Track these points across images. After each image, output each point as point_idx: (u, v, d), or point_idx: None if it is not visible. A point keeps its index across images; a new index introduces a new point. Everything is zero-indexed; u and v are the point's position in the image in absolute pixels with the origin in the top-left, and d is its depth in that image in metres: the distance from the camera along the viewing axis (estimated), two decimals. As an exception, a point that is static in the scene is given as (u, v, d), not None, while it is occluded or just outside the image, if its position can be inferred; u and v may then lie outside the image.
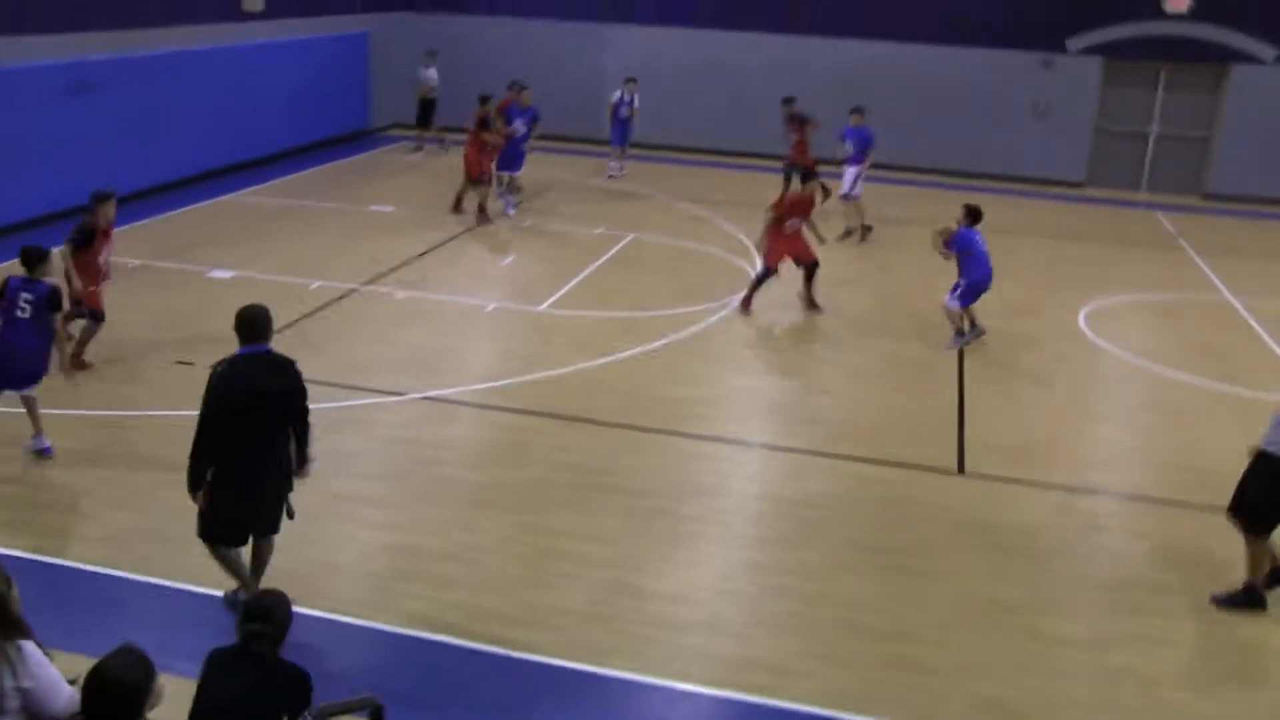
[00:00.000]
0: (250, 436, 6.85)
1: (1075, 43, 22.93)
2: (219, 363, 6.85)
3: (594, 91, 25.36)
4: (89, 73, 17.13)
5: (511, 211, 18.50)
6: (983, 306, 13.53)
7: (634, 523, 8.83)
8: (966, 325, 13.48)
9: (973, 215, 13.42)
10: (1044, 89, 23.32)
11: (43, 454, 9.40)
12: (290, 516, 7.23)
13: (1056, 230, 19.77)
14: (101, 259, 11.42)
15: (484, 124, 17.88)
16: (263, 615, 4.88)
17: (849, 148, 18.29)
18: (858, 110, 18.47)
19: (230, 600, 7.34)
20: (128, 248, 15.60)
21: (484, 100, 18.11)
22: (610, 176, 22.15)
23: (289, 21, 21.82)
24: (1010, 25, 23.12)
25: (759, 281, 14.27)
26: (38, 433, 9.43)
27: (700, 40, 24.66)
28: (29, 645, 4.59)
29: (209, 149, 19.83)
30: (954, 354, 13.16)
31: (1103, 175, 23.70)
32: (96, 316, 11.46)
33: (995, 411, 11.58)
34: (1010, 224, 19.49)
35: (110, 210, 11.49)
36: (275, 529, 7.26)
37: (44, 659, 4.61)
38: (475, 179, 17.94)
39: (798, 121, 19.57)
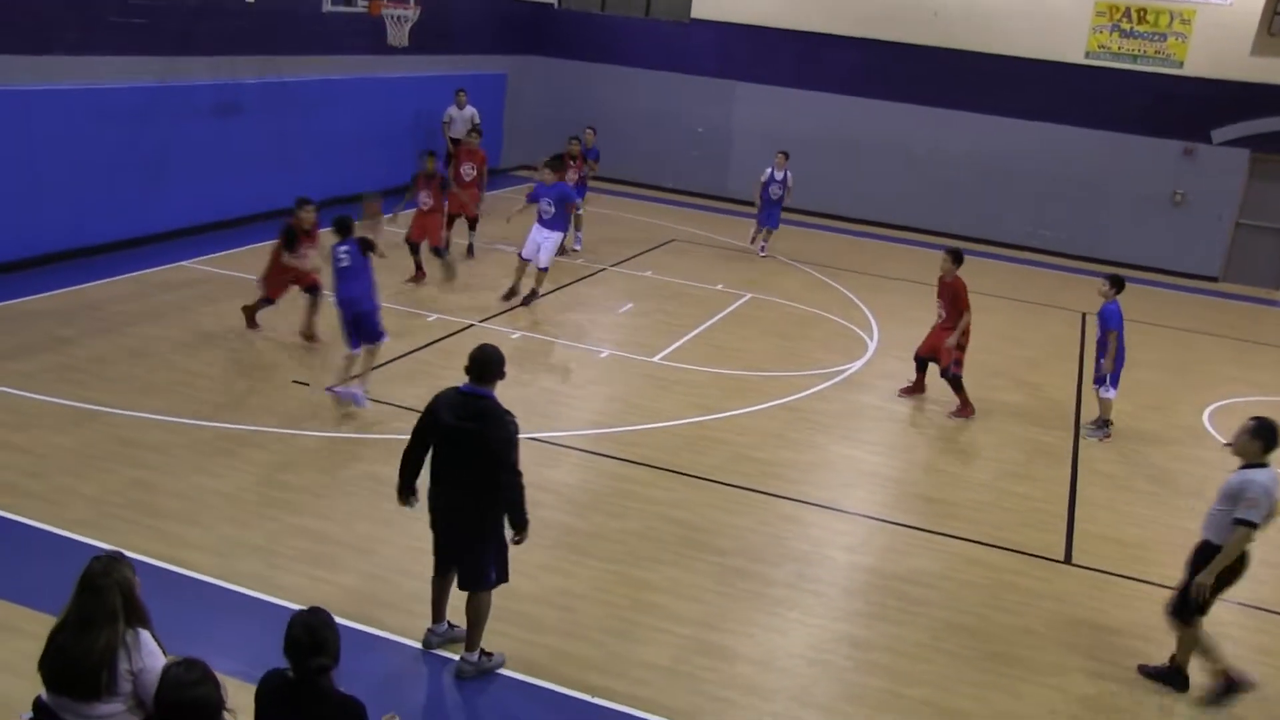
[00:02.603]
0: (437, 467, 6.89)
1: (1221, 134, 22.42)
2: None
3: (720, 147, 25.51)
4: (237, 94, 17.69)
5: (579, 246, 18.82)
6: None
7: (727, 582, 8.73)
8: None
9: (1119, 285, 12.82)
10: (1184, 179, 22.81)
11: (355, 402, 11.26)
12: (493, 582, 7.06)
13: (1188, 324, 19.26)
14: (305, 257, 12.96)
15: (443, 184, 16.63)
16: (319, 647, 4.70)
17: None
18: None
19: (425, 641, 7.44)
20: (258, 265, 15.96)
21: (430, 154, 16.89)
22: (761, 252, 20.57)
23: (430, 58, 22.26)
24: (1154, 112, 22.70)
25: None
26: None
27: (835, 106, 24.61)
28: (145, 634, 4.88)
29: (344, 174, 20.25)
30: (1069, 439, 12.84)
31: (1240, 271, 23.03)
32: (315, 290, 13.05)
33: (1109, 504, 11.25)
34: (1140, 314, 19.02)
35: (310, 215, 13.16)
36: (476, 584, 7.05)
37: (156, 649, 4.90)
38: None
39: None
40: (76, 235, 15.33)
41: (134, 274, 15.09)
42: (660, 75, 25.85)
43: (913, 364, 13.77)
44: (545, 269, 15.64)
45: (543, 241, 15.58)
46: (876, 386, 13.97)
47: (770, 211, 20.34)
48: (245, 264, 16.05)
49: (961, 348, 13.07)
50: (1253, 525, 7.43)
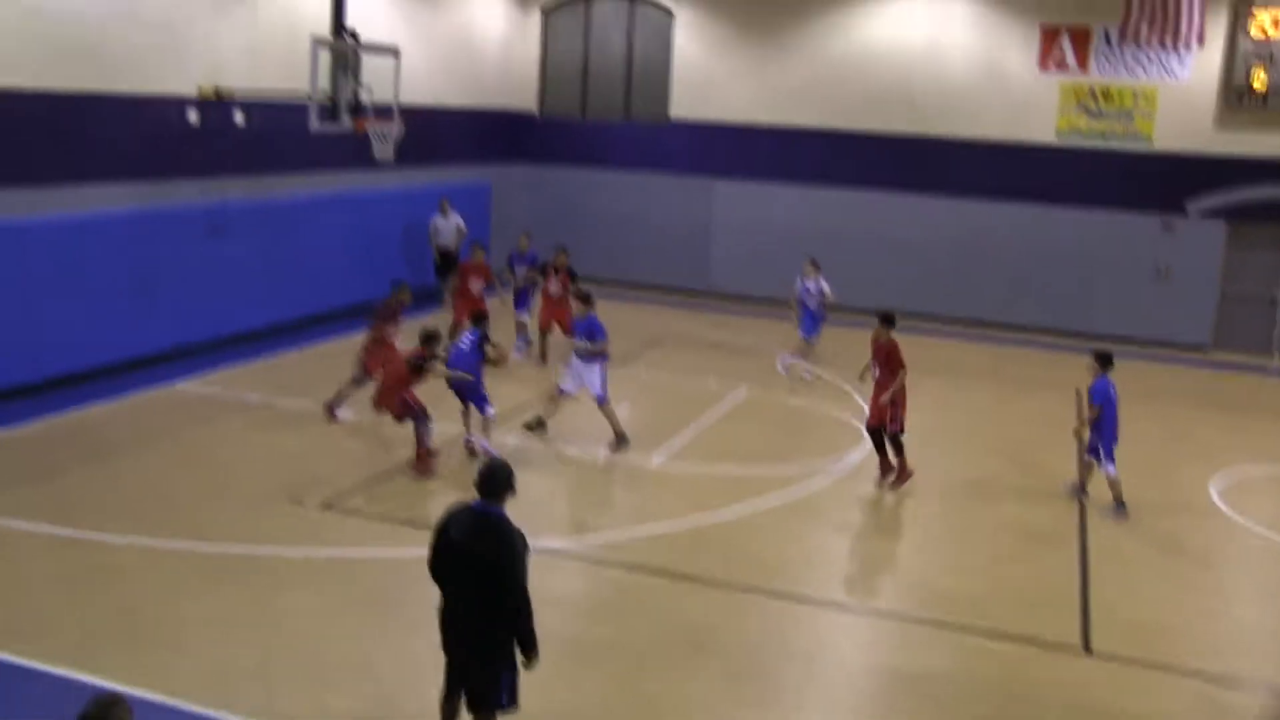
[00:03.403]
0: (447, 585, 6.77)
1: (1196, 206, 22.63)
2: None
3: (700, 244, 25.70)
4: (226, 214, 17.81)
5: (520, 355, 18.42)
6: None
7: (737, 688, 8.58)
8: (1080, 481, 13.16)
9: (1104, 361, 13.12)
10: (1165, 252, 22.98)
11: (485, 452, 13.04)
12: (504, 706, 6.86)
13: (1182, 396, 19.25)
14: (392, 334, 14.61)
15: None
16: None
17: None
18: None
19: None
20: (249, 384, 15.97)
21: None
22: (802, 376, 18.69)
23: (415, 171, 22.48)
24: (1129, 188, 22.94)
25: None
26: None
27: (812, 197, 24.83)
28: None
29: (332, 290, 20.36)
30: (1072, 517, 12.75)
31: (1229, 339, 23.07)
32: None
33: (1121, 585, 11.10)
34: (1133, 389, 18.94)
35: (407, 296, 15.28)
36: (486, 706, 6.84)
37: None
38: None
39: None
40: (67, 360, 15.28)
41: (124, 397, 15.05)
42: (641, 176, 26.11)
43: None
44: (603, 398, 14.42)
45: (584, 373, 14.46)
46: (873, 476, 13.88)
47: (806, 322, 18.87)
48: (236, 383, 16.04)
49: (896, 404, 13.31)
50: None
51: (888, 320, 13.71)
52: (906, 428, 13.43)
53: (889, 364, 13.39)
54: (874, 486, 13.49)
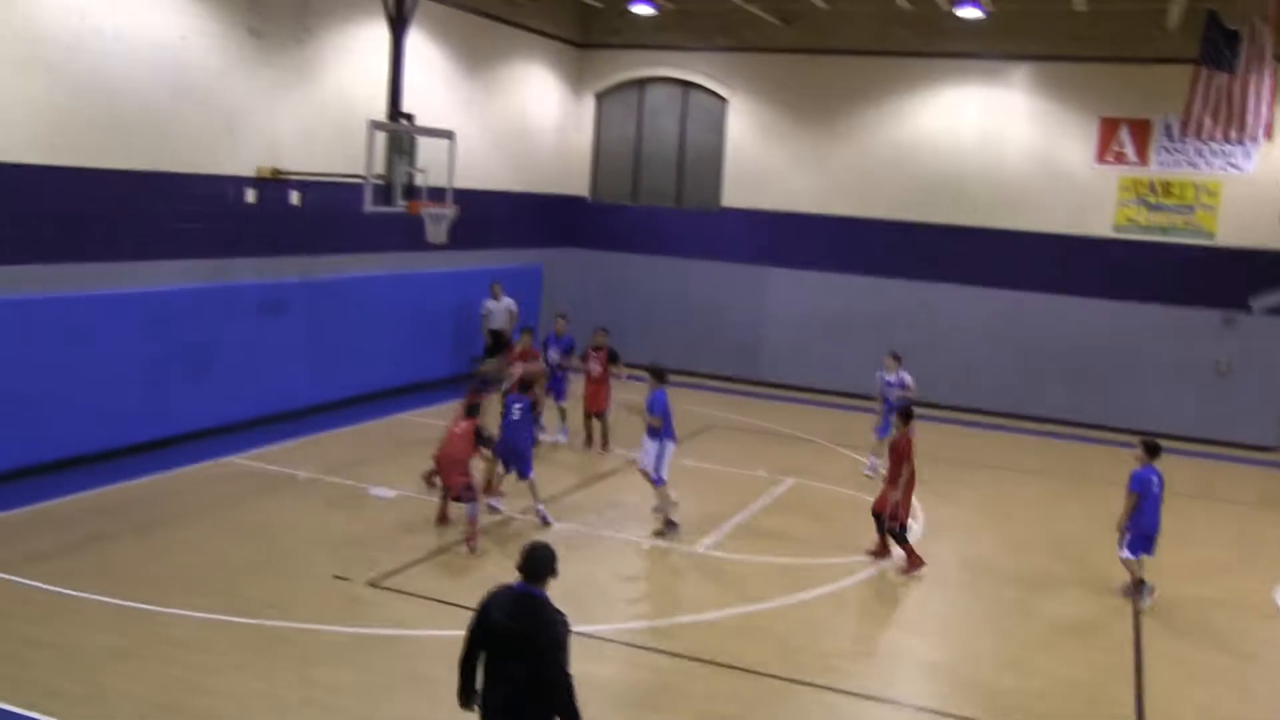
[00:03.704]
0: (489, 666, 6.66)
1: (1260, 301, 22.36)
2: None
3: (751, 332, 25.71)
4: (281, 293, 18.06)
5: (564, 439, 18.47)
6: (1165, 571, 12.88)
7: (783, 781, 8.41)
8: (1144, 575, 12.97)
9: (1151, 450, 13.07)
10: (1227, 347, 22.67)
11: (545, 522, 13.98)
12: None
13: (1247, 496, 18.89)
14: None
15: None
16: None
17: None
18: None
19: None
20: (299, 460, 16.07)
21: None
22: (867, 474, 18.03)
23: (468, 253, 22.68)
24: (1189, 282, 22.72)
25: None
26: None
27: (865, 287, 24.82)
28: None
29: (383, 369, 20.53)
30: (1128, 617, 12.48)
31: (1295, 438, 22.66)
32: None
33: (1178, 689, 10.79)
34: (1195, 489, 18.67)
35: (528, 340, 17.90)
36: None
37: None
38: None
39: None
40: (124, 433, 15.53)
41: (177, 470, 15.19)
42: (692, 263, 26.23)
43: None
44: (658, 479, 14.40)
45: (648, 449, 14.52)
46: (923, 571, 13.69)
47: (885, 422, 17.63)
48: (287, 458, 16.14)
49: (899, 503, 13.52)
50: None
51: (903, 415, 14.04)
52: (922, 520, 13.87)
53: (894, 458, 13.72)
54: (942, 582, 13.30)
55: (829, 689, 10.16)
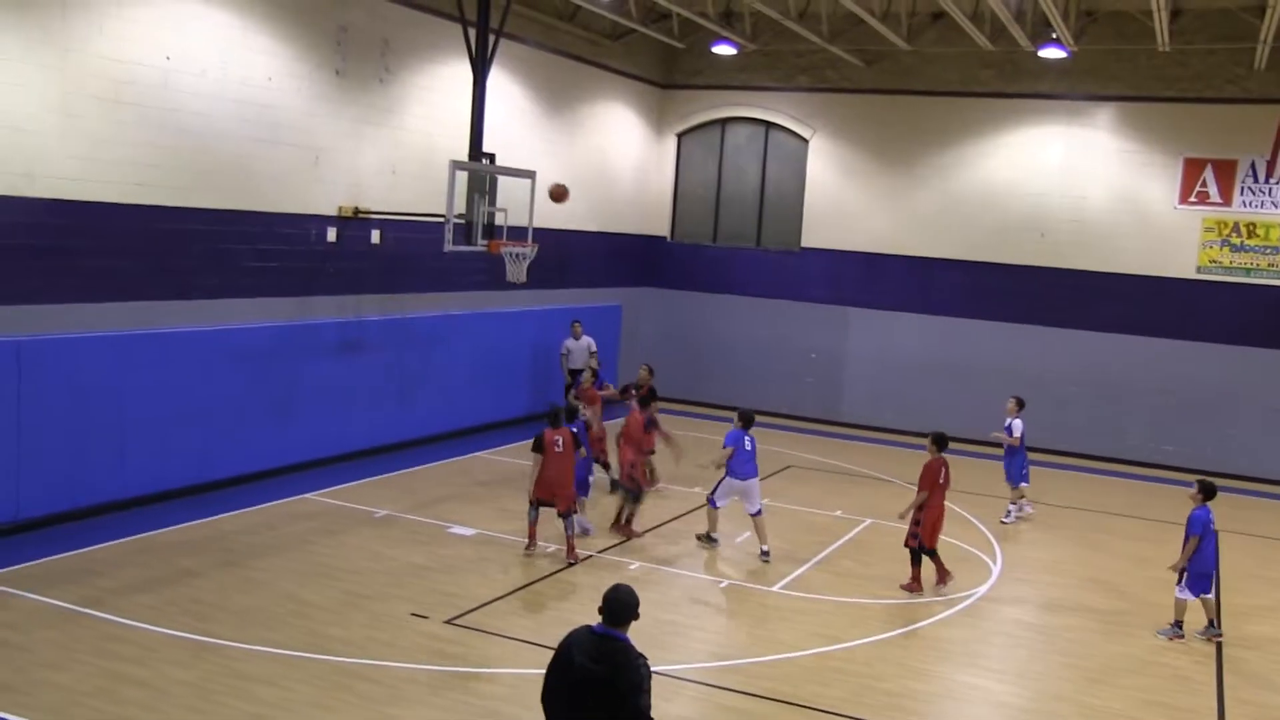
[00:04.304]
0: (566, 708, 6.59)
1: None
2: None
3: (833, 372, 25.62)
4: (360, 331, 18.33)
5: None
6: (1249, 615, 12.58)
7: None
8: (1207, 619, 12.98)
9: (1207, 492, 13.04)
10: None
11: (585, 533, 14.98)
12: None
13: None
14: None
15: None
16: None
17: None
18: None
19: None
20: (378, 498, 16.24)
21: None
22: (1004, 521, 17.97)
23: (547, 292, 22.86)
24: (1273, 324, 22.34)
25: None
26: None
27: (945, 327, 24.67)
28: None
29: (461, 408, 20.71)
30: (1210, 666, 12.21)
31: (1379, 482, 22.11)
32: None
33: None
34: (1276, 531, 18.40)
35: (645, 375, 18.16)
36: None
37: None
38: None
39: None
40: (208, 469, 15.81)
41: (259, 506, 15.41)
42: (772, 303, 26.21)
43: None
44: (712, 503, 15.37)
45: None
46: (1002, 612, 13.53)
47: (1012, 462, 18.22)
48: (365, 496, 16.32)
49: (918, 523, 13.91)
50: None
51: (935, 440, 14.34)
52: (930, 545, 13.96)
53: (920, 482, 14.04)
54: (1022, 624, 13.14)
55: (907, 734, 10.05)
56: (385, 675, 10.32)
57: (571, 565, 13.90)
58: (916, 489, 14.08)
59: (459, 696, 9.99)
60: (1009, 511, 18.15)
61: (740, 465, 15.00)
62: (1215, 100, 22.48)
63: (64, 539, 13.36)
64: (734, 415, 15.47)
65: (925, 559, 14.05)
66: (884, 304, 25.29)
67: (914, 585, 13.96)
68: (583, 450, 14.90)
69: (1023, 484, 18.22)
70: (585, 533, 15.17)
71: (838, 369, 25.74)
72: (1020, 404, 18.46)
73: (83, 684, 9.59)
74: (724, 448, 14.97)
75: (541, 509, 14.23)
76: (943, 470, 14.05)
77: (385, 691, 9.97)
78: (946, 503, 14.39)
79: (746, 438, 15.14)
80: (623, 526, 15.51)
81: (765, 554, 14.86)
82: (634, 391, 17.83)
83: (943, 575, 14.10)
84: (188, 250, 15.58)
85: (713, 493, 15.34)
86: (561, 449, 14.17)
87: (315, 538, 14.30)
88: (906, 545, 14.10)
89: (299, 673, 10.19)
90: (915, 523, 13.95)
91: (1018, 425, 18.18)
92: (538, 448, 14.18)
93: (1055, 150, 23.85)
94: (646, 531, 15.72)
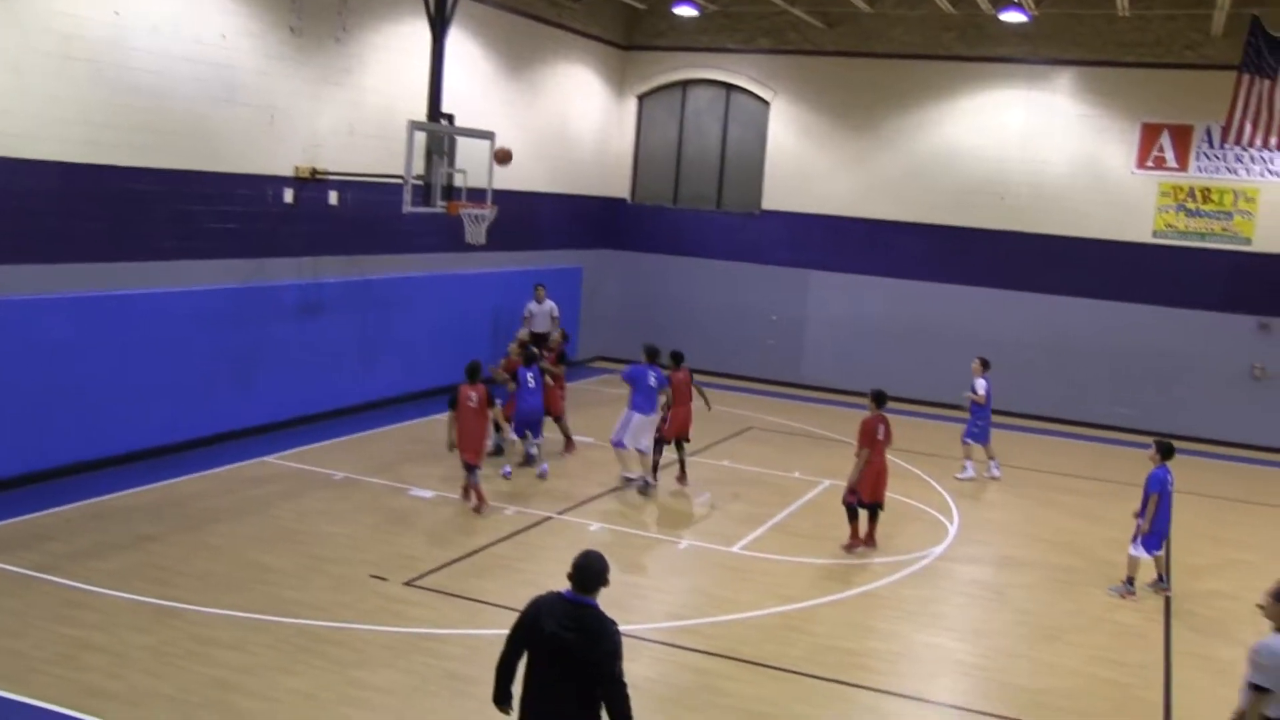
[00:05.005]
0: (534, 674, 6.60)
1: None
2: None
3: (794, 334, 25.71)
4: (320, 293, 18.23)
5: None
6: (1197, 571, 12.79)
7: (817, 783, 8.43)
8: (1157, 574, 13.32)
9: (1165, 452, 13.26)
10: (1262, 353, 22.54)
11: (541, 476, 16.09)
12: None
13: (1278, 500, 18.72)
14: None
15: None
16: None
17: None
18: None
19: None
20: (338, 460, 16.21)
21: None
22: (959, 477, 18.38)
23: (507, 254, 22.79)
24: (1225, 288, 22.63)
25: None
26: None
27: (906, 291, 24.81)
28: None
29: (421, 370, 20.65)
30: (1159, 622, 12.43)
31: (1330, 445, 22.49)
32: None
33: (1206, 688, 10.76)
34: (1227, 492, 18.73)
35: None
36: None
37: None
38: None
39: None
40: (166, 432, 15.72)
41: (219, 469, 15.36)
42: (732, 265, 26.25)
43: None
44: (617, 444, 16.15)
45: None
46: (958, 571, 13.70)
47: (972, 424, 18.68)
48: (325, 459, 16.28)
49: (859, 480, 13.95)
50: (1256, 689, 7.07)
51: (874, 398, 14.44)
52: (871, 500, 14.07)
53: (859, 439, 14.10)
54: (976, 583, 13.31)
55: (863, 688, 10.18)
56: (347, 638, 10.34)
57: (476, 511, 14.35)
58: (856, 447, 14.12)
59: (420, 658, 10.03)
60: (965, 468, 18.41)
61: (644, 400, 15.84)
62: (1173, 66, 22.63)
63: (19, 503, 13.26)
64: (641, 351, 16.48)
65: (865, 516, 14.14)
66: (844, 267, 25.37)
67: (854, 543, 14.06)
68: (497, 408, 15.11)
69: (987, 444, 18.45)
70: (542, 475, 16.27)
71: (798, 331, 25.84)
72: (985, 364, 18.71)
73: (41, 650, 9.56)
74: (623, 379, 16.26)
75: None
76: (881, 427, 14.11)
77: (347, 654, 10.00)
78: (891, 459, 14.56)
79: (651, 373, 15.97)
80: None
81: (630, 480, 16.00)
82: (545, 352, 18.26)
83: (869, 540, 14.14)
84: (144, 211, 15.41)
85: (619, 433, 15.86)
86: (475, 404, 14.36)
87: (276, 501, 14.27)
88: (844, 502, 14.16)
89: (261, 636, 10.20)
90: (855, 480, 13.99)
91: (981, 384, 18.42)
92: (453, 405, 14.47)
93: (1015, 114, 23.95)
94: (607, 493, 15.79)
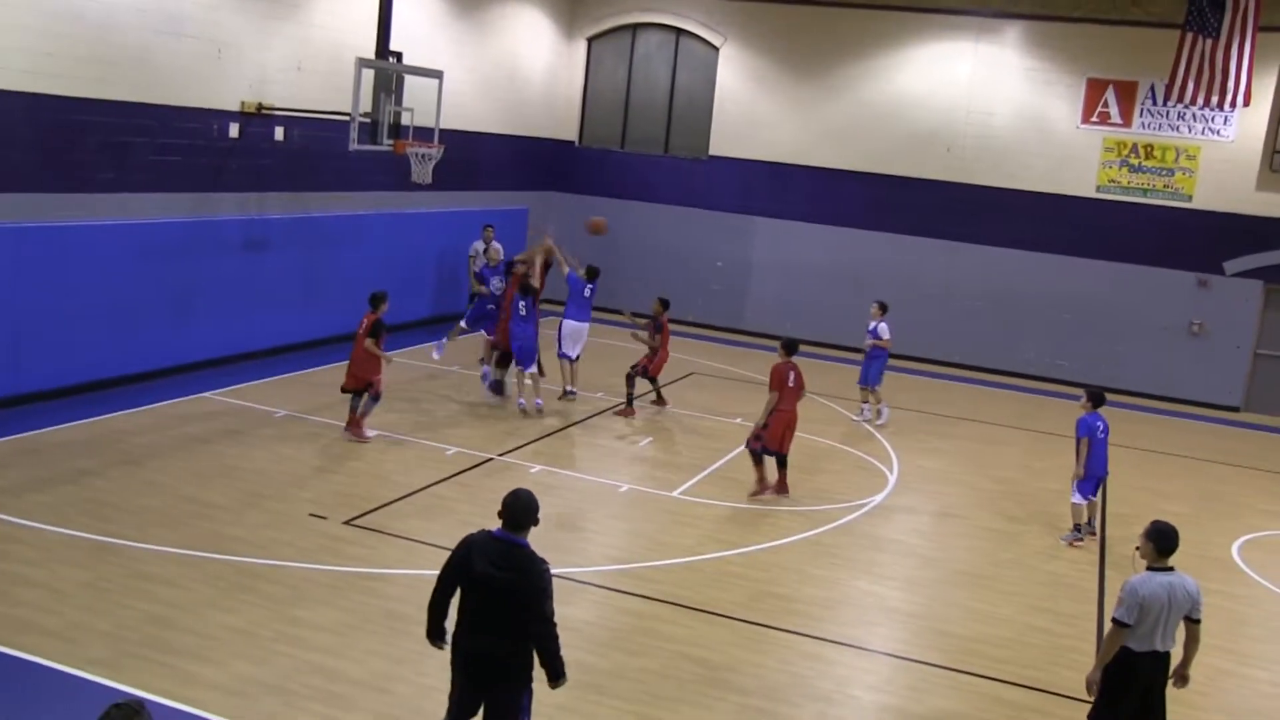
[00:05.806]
0: (466, 612, 6.69)
1: (1233, 265, 22.57)
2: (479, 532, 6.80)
3: (739, 280, 25.78)
4: (264, 230, 18.03)
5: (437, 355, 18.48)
6: (1130, 523, 13.06)
7: (750, 724, 8.57)
8: (1085, 520, 13.61)
9: (1095, 399, 13.49)
10: (1200, 309, 22.92)
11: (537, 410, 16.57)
12: None
13: (1212, 455, 19.10)
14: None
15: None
16: None
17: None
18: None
19: None
20: (280, 398, 16.11)
21: None
22: (855, 419, 18.83)
23: (453, 194, 22.63)
24: (1166, 244, 22.94)
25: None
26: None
27: (850, 239, 24.90)
28: None
29: (366, 308, 20.44)
30: (1094, 572, 12.70)
31: (1262, 401, 22.90)
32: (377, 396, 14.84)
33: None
34: (1160, 445, 19.09)
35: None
36: None
37: None
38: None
39: None
40: (103, 367, 15.54)
41: (157, 405, 15.22)
42: (679, 210, 26.21)
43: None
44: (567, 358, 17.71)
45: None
46: (897, 520, 13.89)
47: (864, 367, 18.91)
48: (267, 396, 16.18)
49: (765, 426, 13.92)
50: (1117, 623, 7.68)
51: (783, 345, 14.42)
52: (778, 448, 14.07)
53: (770, 383, 14.11)
54: (916, 532, 13.51)
55: (800, 634, 10.33)
56: (285, 575, 10.35)
57: (352, 440, 14.60)
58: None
59: (359, 597, 10.06)
60: (863, 410, 18.72)
61: (578, 309, 17.46)
62: (1119, 23, 22.76)
63: (-47, 437, 13.11)
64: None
65: (769, 462, 14.15)
66: (791, 214, 25.43)
67: (761, 489, 14.06)
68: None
69: (862, 385, 18.78)
70: (538, 409, 16.70)
71: (743, 278, 25.91)
72: (884, 308, 18.95)
73: (-25, 583, 9.50)
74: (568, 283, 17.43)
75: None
76: (791, 374, 14.06)
77: (285, 591, 10.01)
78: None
79: (588, 287, 17.64)
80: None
81: (571, 393, 17.43)
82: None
83: (780, 486, 14.19)
84: (83, 142, 15.14)
85: (560, 347, 17.44)
86: (362, 330, 14.84)
87: (215, 438, 14.18)
88: (749, 448, 14.17)
89: (199, 573, 10.18)
90: (762, 425, 13.93)
91: (884, 328, 18.70)
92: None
93: (963, 66, 24.02)
94: (547, 436, 15.83)
